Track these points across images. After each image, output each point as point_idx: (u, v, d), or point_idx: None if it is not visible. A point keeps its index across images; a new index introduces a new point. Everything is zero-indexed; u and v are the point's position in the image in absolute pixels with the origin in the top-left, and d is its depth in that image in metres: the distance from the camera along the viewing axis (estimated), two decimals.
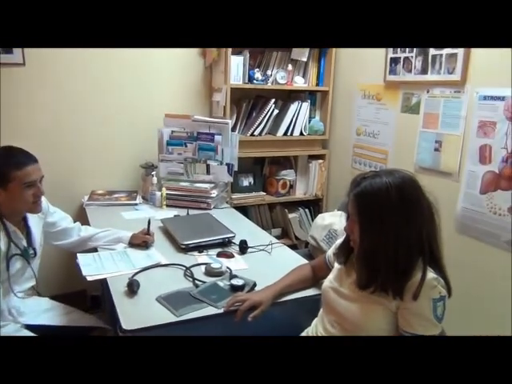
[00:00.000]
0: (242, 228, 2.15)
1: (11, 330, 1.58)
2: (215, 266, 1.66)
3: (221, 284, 1.55)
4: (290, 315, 1.54)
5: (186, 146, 2.53)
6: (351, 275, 1.28)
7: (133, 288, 1.48)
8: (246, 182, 2.91)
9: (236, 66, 2.62)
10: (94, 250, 1.86)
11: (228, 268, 1.67)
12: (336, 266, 1.39)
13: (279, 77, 2.76)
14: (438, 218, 1.20)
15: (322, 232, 2.21)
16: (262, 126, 2.74)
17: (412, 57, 2.23)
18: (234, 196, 2.78)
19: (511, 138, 1.77)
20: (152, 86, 2.67)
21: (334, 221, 2.19)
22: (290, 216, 2.97)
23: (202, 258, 1.80)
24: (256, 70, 2.71)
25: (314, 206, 3.07)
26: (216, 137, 2.49)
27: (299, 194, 3.04)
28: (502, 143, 1.81)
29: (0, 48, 2.23)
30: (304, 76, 2.88)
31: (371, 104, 2.60)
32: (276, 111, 2.76)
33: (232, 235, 1.95)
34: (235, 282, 1.54)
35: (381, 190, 1.15)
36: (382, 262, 1.16)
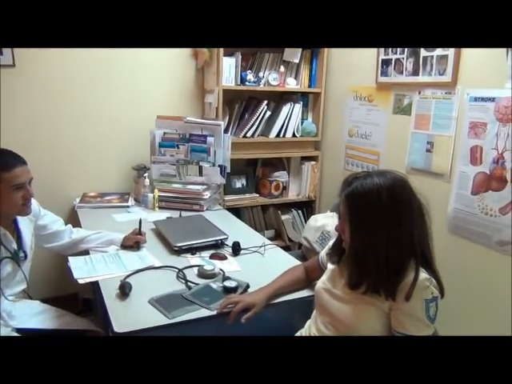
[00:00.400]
0: (235, 230, 2.15)
1: (2, 333, 1.56)
2: (208, 267, 1.65)
3: (214, 286, 1.55)
4: (283, 317, 1.53)
5: (179, 148, 2.53)
6: (344, 276, 1.29)
7: (125, 290, 1.47)
8: (239, 183, 2.91)
9: (228, 67, 2.62)
10: (86, 252, 1.85)
11: (221, 270, 1.67)
12: (329, 267, 1.39)
13: (271, 78, 2.76)
14: (429, 219, 1.20)
15: (315, 233, 2.22)
16: (254, 127, 2.74)
17: (403, 58, 2.24)
18: (227, 198, 2.78)
19: (504, 139, 1.78)
20: (144, 87, 2.66)
21: (326, 222, 2.19)
22: (283, 217, 2.97)
23: (195, 259, 1.79)
24: (248, 71, 2.71)
25: (307, 208, 3.08)
26: (208, 138, 2.49)
27: (292, 195, 3.04)
28: (492, 144, 1.83)
29: None
30: (296, 78, 2.88)
31: (363, 105, 2.61)
32: (268, 113, 2.76)
33: (225, 237, 1.94)
34: (228, 283, 1.53)
35: (372, 191, 1.15)
36: (373, 262, 1.16)
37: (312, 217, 2.38)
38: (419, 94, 2.20)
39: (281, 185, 2.97)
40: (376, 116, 2.52)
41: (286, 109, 2.81)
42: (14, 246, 1.64)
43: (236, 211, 2.75)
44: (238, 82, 2.69)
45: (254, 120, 2.72)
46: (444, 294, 1.18)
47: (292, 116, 2.84)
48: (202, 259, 1.79)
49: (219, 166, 2.52)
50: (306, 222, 2.76)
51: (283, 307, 1.51)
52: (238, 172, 2.88)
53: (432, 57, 2.08)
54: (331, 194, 2.85)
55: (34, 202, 1.75)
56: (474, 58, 1.91)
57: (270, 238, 2.63)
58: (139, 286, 1.53)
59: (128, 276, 1.60)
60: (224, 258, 1.81)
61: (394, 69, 2.31)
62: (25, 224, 1.70)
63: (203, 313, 1.40)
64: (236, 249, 1.87)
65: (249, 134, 2.74)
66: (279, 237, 3.02)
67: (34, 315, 1.71)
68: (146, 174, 2.53)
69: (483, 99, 1.87)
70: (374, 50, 2.42)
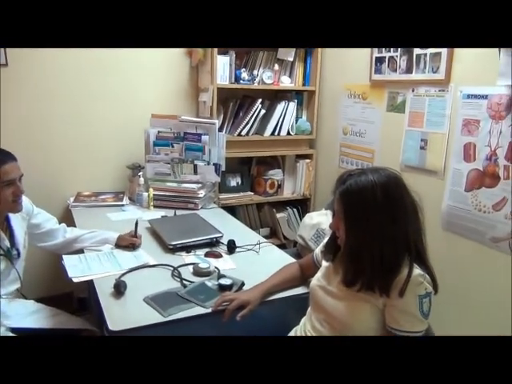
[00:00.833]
0: (230, 228, 2.15)
1: None
2: (203, 265, 1.65)
3: (209, 284, 1.55)
4: (278, 314, 1.54)
5: (173, 147, 2.52)
6: (339, 273, 1.29)
7: (120, 289, 1.46)
8: (234, 182, 2.91)
9: (222, 65, 2.61)
10: (81, 251, 1.84)
11: (216, 268, 1.67)
12: (324, 264, 1.40)
13: (266, 77, 2.76)
14: (423, 215, 1.21)
15: (310, 231, 2.22)
16: (249, 125, 2.74)
17: (397, 56, 2.25)
18: (222, 196, 2.78)
19: (497, 136, 1.79)
20: (138, 86, 2.65)
21: (321, 220, 2.20)
22: (278, 216, 2.97)
23: (190, 258, 1.79)
24: (242, 69, 2.71)
25: (302, 206, 3.08)
26: (203, 137, 2.49)
27: (287, 193, 3.04)
28: (485, 141, 1.84)
29: None
30: (290, 76, 2.89)
31: (357, 103, 2.62)
32: (263, 111, 2.76)
33: (220, 235, 1.94)
34: (223, 281, 1.53)
35: (366, 188, 1.15)
36: (368, 259, 1.16)
37: (307, 215, 2.39)
38: (413, 91, 2.21)
39: (276, 183, 2.97)
40: (370, 114, 2.53)
41: (280, 107, 2.81)
42: (7, 243, 1.63)
43: (231, 209, 2.75)
44: (233, 81, 2.68)
45: (248, 118, 2.72)
46: (438, 290, 1.19)
47: (286, 114, 2.84)
48: (197, 257, 1.79)
49: (214, 164, 2.52)
50: (300, 219, 2.77)
51: (278, 304, 1.51)
52: (233, 170, 2.88)
53: (425, 54, 2.08)
54: (326, 191, 2.84)
55: (27, 200, 1.74)
56: (466, 55, 1.92)
57: (265, 236, 2.64)
58: (134, 284, 1.53)
59: (123, 274, 1.60)
60: (219, 256, 1.82)
61: (388, 66, 2.32)
62: (17, 222, 1.69)
63: (198, 310, 1.40)
64: (231, 247, 1.87)
65: (243, 133, 2.74)
66: (274, 235, 3.02)
67: (28, 314, 1.70)
68: (140, 173, 2.53)
69: (476, 96, 1.88)
70: (367, 48, 2.43)
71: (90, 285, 1.68)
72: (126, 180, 2.66)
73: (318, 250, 1.51)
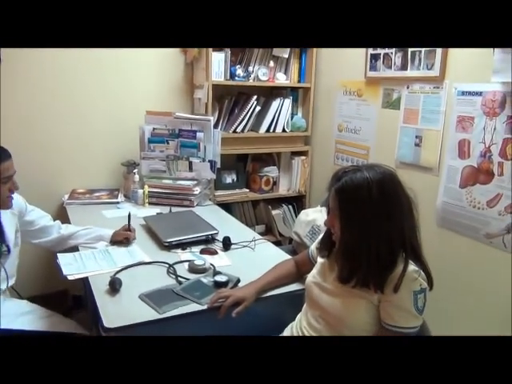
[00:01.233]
0: (226, 225, 2.15)
1: None
2: (198, 262, 1.65)
3: (204, 281, 1.55)
4: (273, 310, 1.54)
5: (168, 144, 2.52)
6: (334, 270, 1.29)
7: (115, 286, 1.46)
8: (229, 178, 2.91)
9: (217, 62, 2.61)
10: (75, 249, 1.84)
11: (211, 265, 1.67)
12: (319, 260, 1.40)
13: (261, 73, 2.76)
14: (417, 212, 1.21)
15: (305, 228, 2.22)
16: (244, 122, 2.73)
17: (392, 53, 2.25)
18: (217, 193, 2.78)
19: (491, 133, 1.80)
20: (132, 83, 2.64)
21: (317, 217, 2.19)
22: (274, 212, 2.98)
23: (186, 255, 1.79)
24: (237, 66, 2.71)
25: (298, 203, 3.08)
26: (198, 134, 2.48)
27: (282, 190, 3.04)
28: (479, 138, 1.84)
29: None
30: (286, 73, 2.88)
31: (352, 100, 2.62)
32: (258, 108, 2.76)
33: (215, 232, 1.94)
34: (219, 278, 1.53)
35: (361, 185, 1.15)
36: (363, 256, 1.16)
37: (302, 211, 2.38)
38: (408, 88, 2.21)
39: (271, 180, 2.97)
40: (365, 111, 2.53)
41: (275, 104, 2.81)
42: None
43: (226, 206, 2.75)
44: (228, 77, 2.68)
45: (243, 115, 2.72)
46: (433, 286, 1.19)
47: (282, 111, 2.84)
48: (193, 254, 1.79)
49: (209, 161, 2.51)
50: (296, 216, 2.77)
51: (274, 301, 1.51)
52: (229, 167, 2.88)
53: (420, 51, 2.09)
54: (321, 188, 2.84)
55: (20, 197, 1.74)
56: (461, 52, 1.92)
57: (261, 233, 2.64)
58: (129, 281, 1.52)
59: (118, 272, 1.59)
60: (214, 252, 1.82)
61: (383, 63, 2.32)
62: (6, 218, 1.67)
63: (194, 307, 1.40)
64: (226, 244, 1.87)
65: (239, 130, 2.74)
66: (270, 232, 3.02)
67: (19, 315, 1.66)
68: (135, 170, 2.52)
69: (470, 93, 1.89)
70: None
71: (85, 282, 1.68)
72: (121, 177, 2.65)
73: (313, 247, 1.51)
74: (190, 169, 2.51)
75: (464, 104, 1.91)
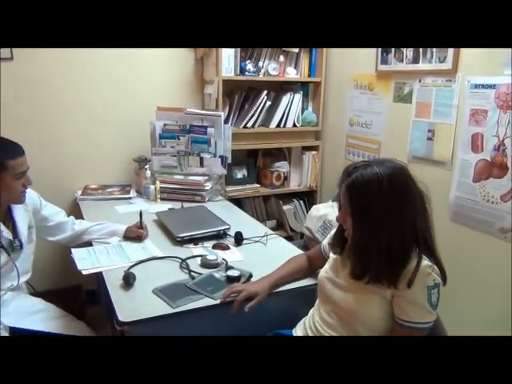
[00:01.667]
0: (237, 220, 2.15)
1: None
2: (211, 257, 1.66)
3: (217, 275, 1.56)
4: (286, 305, 1.54)
5: (179, 139, 2.53)
6: (347, 265, 1.29)
7: (129, 281, 1.48)
8: (240, 174, 2.91)
9: (227, 57, 2.60)
10: (89, 244, 1.86)
11: (224, 259, 1.67)
12: (332, 256, 1.39)
13: (271, 68, 2.75)
14: (430, 206, 1.20)
15: (316, 223, 2.22)
16: (254, 117, 2.73)
17: None
18: (228, 188, 2.78)
19: (505, 126, 1.78)
20: (143, 79, 2.65)
21: (328, 211, 2.19)
22: (285, 208, 2.97)
23: (198, 250, 1.80)
24: (247, 61, 2.70)
25: (309, 198, 3.08)
26: (209, 129, 2.48)
27: (293, 185, 3.04)
28: (493, 131, 1.82)
29: None
30: (296, 67, 2.87)
31: (363, 94, 2.61)
32: (268, 103, 2.75)
33: (227, 227, 1.95)
34: (231, 273, 1.54)
35: (372, 181, 1.14)
36: (376, 252, 1.16)
37: (314, 206, 2.38)
38: (419, 81, 2.19)
39: (282, 175, 2.97)
40: (377, 104, 2.51)
41: (286, 99, 2.80)
42: (6, 235, 1.62)
43: (238, 202, 2.75)
44: (238, 73, 2.67)
45: (254, 110, 2.71)
46: (446, 281, 1.18)
47: (292, 106, 2.83)
48: (205, 249, 1.80)
49: (220, 156, 2.52)
50: (307, 211, 2.77)
51: (286, 296, 1.52)
52: (239, 163, 2.88)
53: None
54: (332, 183, 2.82)
55: (34, 193, 1.76)
56: None
57: (272, 229, 2.64)
58: (143, 276, 1.54)
59: (131, 266, 1.61)
60: (226, 248, 1.82)
61: (394, 57, 2.30)
62: (19, 213, 1.69)
63: (207, 302, 1.41)
64: (238, 239, 1.87)
65: (249, 125, 2.73)
66: (281, 227, 3.02)
67: (29, 314, 1.67)
68: (147, 166, 2.53)
69: (484, 86, 1.86)
70: None
71: (98, 277, 1.70)
72: (133, 173, 2.67)
73: (325, 242, 1.51)
74: (201, 164, 2.52)
75: (477, 97, 1.89)
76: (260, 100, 2.71)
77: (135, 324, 1.29)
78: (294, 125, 2.87)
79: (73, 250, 1.74)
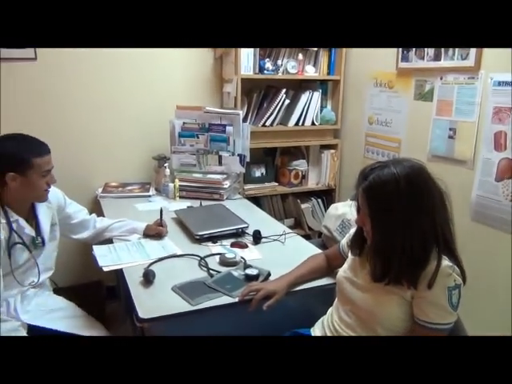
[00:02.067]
0: (255, 218, 2.16)
1: (7, 328, 1.54)
2: (229, 255, 1.67)
3: (235, 274, 1.57)
4: (304, 304, 1.54)
5: (198, 138, 2.54)
6: (366, 266, 1.28)
7: (149, 278, 1.49)
8: (258, 172, 2.91)
9: (246, 56, 2.61)
10: (110, 241, 1.89)
11: (242, 258, 1.68)
12: (350, 255, 1.39)
13: (290, 66, 2.74)
14: (450, 205, 1.18)
15: (335, 222, 2.21)
16: (273, 116, 2.73)
17: None
18: (247, 187, 2.79)
19: None
20: (162, 78, 2.67)
21: (347, 210, 2.18)
22: (303, 206, 2.97)
23: (216, 248, 1.81)
24: (266, 59, 2.70)
25: (327, 196, 3.07)
26: (227, 128, 2.49)
27: (311, 184, 3.03)
28: None
29: None
30: (315, 65, 2.86)
31: (383, 92, 2.58)
32: (287, 101, 2.75)
33: (245, 225, 1.96)
34: (249, 271, 1.55)
35: (389, 181, 1.13)
36: (396, 253, 1.14)
37: (332, 205, 2.37)
38: (441, 79, 2.16)
39: (300, 173, 2.96)
40: (397, 102, 2.49)
41: (304, 97, 2.79)
42: (29, 232, 1.64)
43: (256, 200, 2.76)
44: (257, 71, 2.67)
45: (272, 109, 2.72)
46: (466, 282, 1.16)
47: (311, 104, 2.82)
48: (223, 247, 1.81)
49: (238, 155, 2.53)
50: (325, 210, 2.75)
51: (304, 295, 1.52)
52: (258, 161, 2.88)
53: None
54: (351, 182, 2.80)
55: (58, 191, 1.79)
56: None
57: (290, 227, 2.63)
58: (162, 273, 1.56)
59: (151, 264, 1.63)
60: (245, 246, 1.83)
61: (415, 54, 2.27)
62: (43, 211, 1.71)
63: (225, 300, 1.42)
64: (257, 237, 1.88)
65: (268, 123, 2.73)
66: (299, 225, 3.02)
67: (48, 312, 1.68)
68: (166, 164, 2.56)
69: (507, 83, 1.83)
70: None
71: (118, 274, 1.72)
72: (152, 171, 2.70)
73: (344, 241, 1.50)
74: (220, 163, 2.53)
75: (500, 94, 1.86)
76: (279, 98, 2.71)
77: (155, 321, 1.30)
78: (313, 123, 2.86)
79: (94, 247, 1.77)
